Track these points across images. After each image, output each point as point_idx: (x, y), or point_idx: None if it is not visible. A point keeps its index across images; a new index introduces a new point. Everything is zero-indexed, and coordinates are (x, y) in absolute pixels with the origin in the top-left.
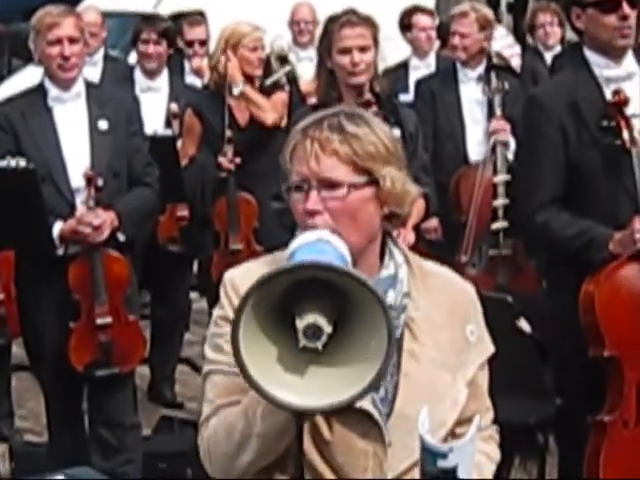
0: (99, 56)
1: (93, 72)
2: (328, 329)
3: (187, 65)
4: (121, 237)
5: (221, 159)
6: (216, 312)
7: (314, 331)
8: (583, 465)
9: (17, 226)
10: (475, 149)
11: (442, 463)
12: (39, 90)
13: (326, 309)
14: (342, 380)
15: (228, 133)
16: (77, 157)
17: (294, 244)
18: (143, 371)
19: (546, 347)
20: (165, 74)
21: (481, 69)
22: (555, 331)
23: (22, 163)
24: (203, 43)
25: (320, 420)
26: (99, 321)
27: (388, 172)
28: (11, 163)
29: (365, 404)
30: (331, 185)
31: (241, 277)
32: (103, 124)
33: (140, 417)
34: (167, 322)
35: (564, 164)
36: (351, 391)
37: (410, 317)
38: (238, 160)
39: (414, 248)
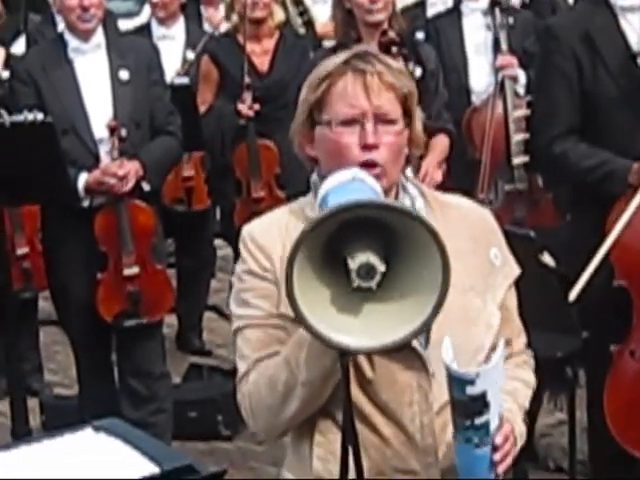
0: None
1: None
2: (381, 268)
3: (204, 11)
4: (146, 187)
5: (240, 106)
6: (239, 267)
7: (367, 270)
8: None
9: (37, 181)
10: (479, 80)
11: (470, 390)
12: (59, 42)
13: (376, 248)
14: (398, 318)
15: (247, 79)
16: (99, 108)
17: (328, 184)
18: (171, 320)
19: (570, 280)
20: (181, 21)
21: (485, 2)
22: (578, 263)
23: (40, 116)
24: None
25: (362, 359)
26: (126, 271)
27: (419, 112)
28: (28, 117)
29: None
30: (389, 121)
31: (260, 230)
32: (124, 74)
33: (169, 366)
34: (193, 270)
35: (579, 95)
36: (408, 328)
37: None
38: (257, 107)
39: (442, 185)
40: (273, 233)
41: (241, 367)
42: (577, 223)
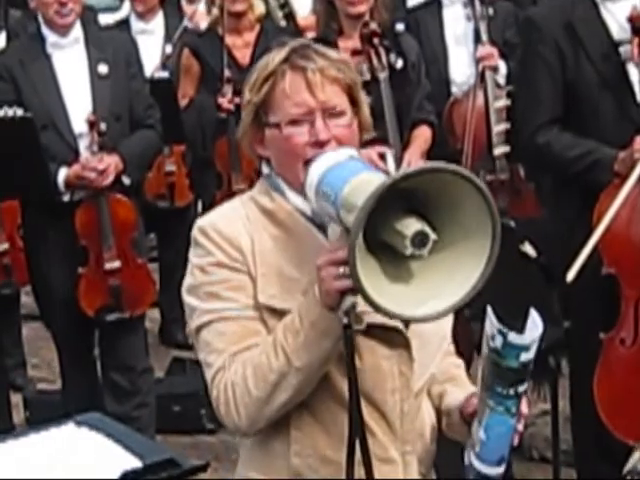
0: None
1: None
2: (433, 236)
3: (184, 6)
4: (126, 180)
5: (220, 100)
6: (201, 260)
7: (421, 238)
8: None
9: (17, 175)
10: (459, 72)
11: (525, 356)
12: (37, 37)
13: (415, 214)
14: (449, 283)
15: (227, 73)
16: (79, 103)
17: (320, 167)
18: (153, 314)
19: (551, 270)
20: (160, 16)
21: None
22: (559, 252)
23: (19, 112)
24: None
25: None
26: (107, 265)
27: (364, 97)
28: (8, 112)
29: (395, 322)
30: (338, 113)
31: (224, 222)
32: (103, 68)
33: (152, 360)
34: (175, 264)
35: (562, 85)
36: (459, 293)
37: None
38: (238, 100)
39: None
40: (237, 224)
41: (216, 361)
42: (559, 213)
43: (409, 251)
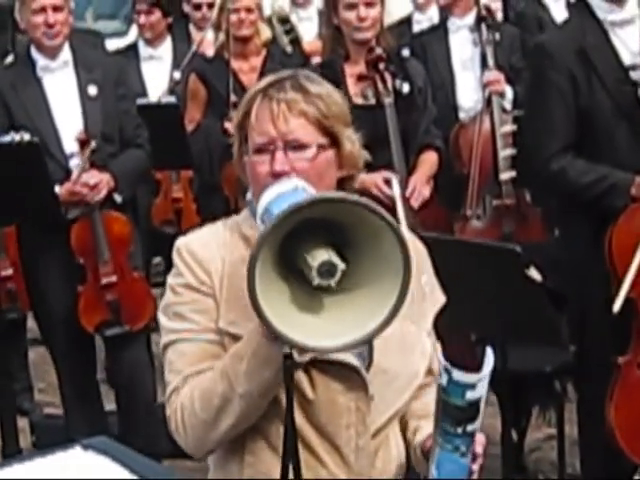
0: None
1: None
2: (342, 265)
3: (193, 32)
4: (118, 198)
5: (227, 124)
6: (173, 280)
7: (328, 268)
8: (602, 410)
9: (24, 201)
10: (466, 97)
11: (470, 394)
12: (27, 61)
13: (333, 246)
14: (359, 316)
15: (233, 98)
16: (70, 124)
17: (267, 196)
18: (160, 338)
19: (558, 295)
20: (168, 41)
21: (471, 19)
22: (571, 277)
23: (26, 137)
24: (211, 5)
25: (302, 378)
26: (104, 280)
27: (348, 134)
28: (15, 138)
29: (349, 357)
30: (299, 146)
31: (199, 244)
32: (92, 89)
33: (157, 383)
34: None
35: (574, 111)
36: (370, 325)
37: None
38: None
39: (429, 202)
40: (212, 248)
41: (172, 381)
42: (568, 238)
43: (316, 281)
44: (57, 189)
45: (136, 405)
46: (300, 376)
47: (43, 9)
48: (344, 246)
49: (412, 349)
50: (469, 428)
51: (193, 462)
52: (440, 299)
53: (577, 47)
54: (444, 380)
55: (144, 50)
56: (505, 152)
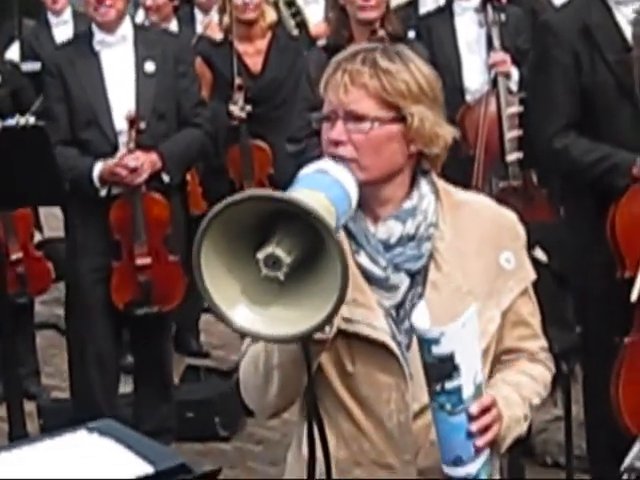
0: (67, 14)
1: (66, 30)
2: (287, 260)
3: (198, 15)
4: (165, 178)
5: (232, 107)
6: None
7: (274, 261)
8: (607, 390)
9: (30, 185)
10: (472, 79)
11: (436, 349)
12: (87, 35)
13: (290, 241)
14: (304, 311)
15: (238, 80)
16: (122, 100)
17: (298, 176)
18: None
19: (564, 275)
20: (174, 24)
21: (476, 0)
22: (574, 257)
23: (31, 120)
24: None
25: (343, 353)
26: (139, 262)
27: (418, 111)
28: (20, 121)
29: (383, 336)
30: (357, 117)
31: None
32: (150, 66)
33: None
34: (189, 272)
35: (578, 89)
36: (309, 323)
37: (435, 247)
38: (249, 108)
39: None
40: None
41: (242, 348)
42: (572, 218)
43: (263, 272)
44: (100, 166)
45: (158, 387)
46: (341, 349)
47: None
48: (311, 244)
49: None
50: (448, 385)
51: (202, 444)
52: (529, 277)
53: (581, 25)
54: (415, 338)
55: None
56: (511, 133)
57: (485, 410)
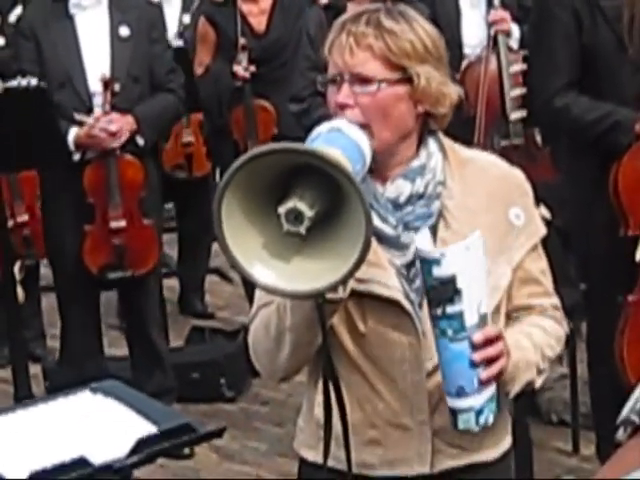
0: None
1: None
2: (309, 213)
3: None
4: (140, 141)
5: (236, 67)
6: None
7: (295, 215)
8: (610, 348)
9: (33, 146)
10: (471, 34)
11: (437, 271)
12: None
13: (311, 195)
14: (327, 264)
15: (242, 40)
16: (97, 63)
17: (312, 135)
18: (173, 283)
19: (567, 233)
20: None
21: None
22: (577, 216)
23: (33, 82)
24: None
25: (354, 312)
26: (113, 224)
27: (424, 70)
28: (22, 82)
29: (396, 294)
30: (363, 80)
31: None
32: (124, 30)
33: (171, 329)
34: (194, 234)
35: (578, 47)
36: (334, 275)
37: (444, 205)
38: (253, 68)
39: None
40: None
41: (252, 311)
42: (575, 176)
43: (285, 227)
44: (76, 130)
45: (147, 351)
46: (352, 309)
47: None
48: (332, 198)
49: None
50: (449, 310)
51: (208, 405)
52: (538, 232)
53: None
54: (418, 260)
55: None
56: (514, 92)
57: (490, 341)
